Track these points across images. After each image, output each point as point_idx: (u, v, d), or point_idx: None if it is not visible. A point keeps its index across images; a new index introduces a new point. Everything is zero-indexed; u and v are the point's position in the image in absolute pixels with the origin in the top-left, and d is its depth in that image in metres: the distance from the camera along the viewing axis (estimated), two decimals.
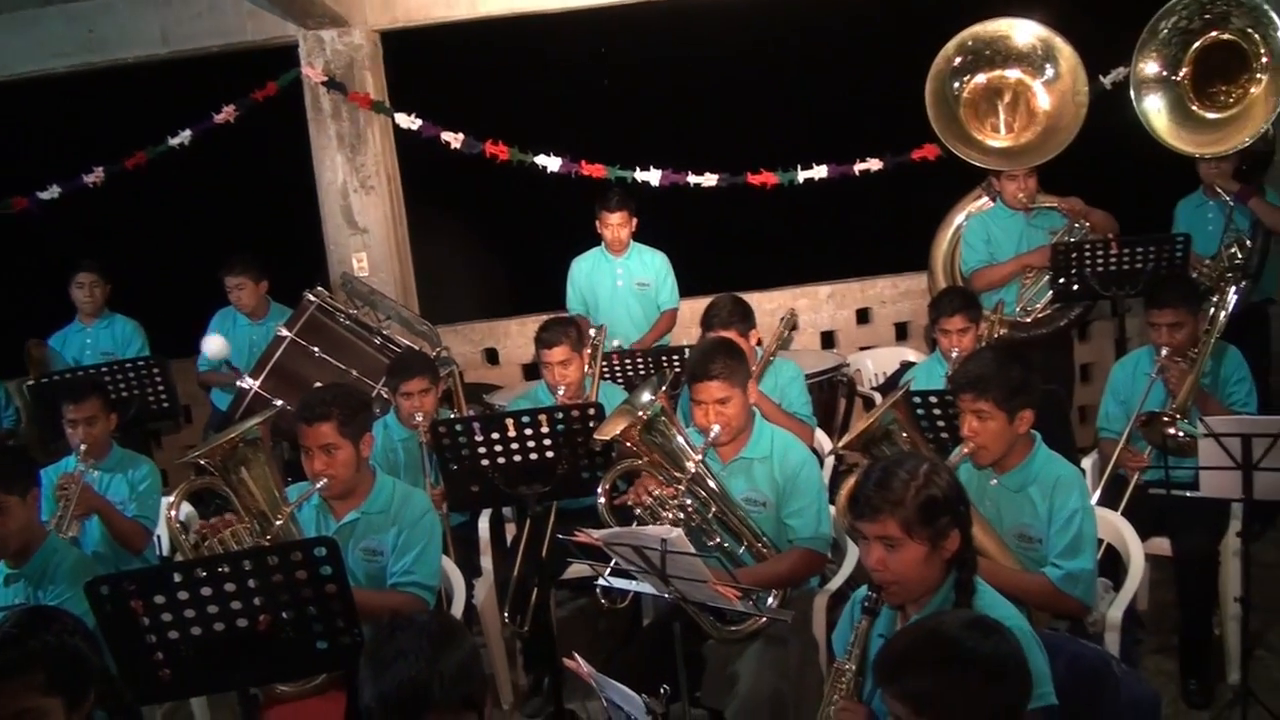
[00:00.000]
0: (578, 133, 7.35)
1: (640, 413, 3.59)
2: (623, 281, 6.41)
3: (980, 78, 5.95)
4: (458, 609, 4.08)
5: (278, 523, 3.49)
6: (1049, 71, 5.87)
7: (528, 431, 4.03)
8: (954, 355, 4.78)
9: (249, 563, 2.88)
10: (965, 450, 3.41)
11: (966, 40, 5.89)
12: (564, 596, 5.32)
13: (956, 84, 5.93)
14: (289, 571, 2.92)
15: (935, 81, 5.87)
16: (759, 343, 5.04)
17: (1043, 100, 5.91)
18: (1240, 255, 5.54)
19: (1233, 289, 4.57)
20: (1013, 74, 5.94)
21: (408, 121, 6.93)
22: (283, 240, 7.82)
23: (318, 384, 4.96)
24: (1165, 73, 5.64)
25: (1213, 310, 4.48)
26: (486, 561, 4.71)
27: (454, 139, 6.89)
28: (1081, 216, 5.68)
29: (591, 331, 5.35)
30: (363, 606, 3.27)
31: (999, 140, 5.98)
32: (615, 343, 5.97)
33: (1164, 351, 4.28)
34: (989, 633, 2.05)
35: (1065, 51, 5.82)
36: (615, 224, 6.27)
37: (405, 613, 3.09)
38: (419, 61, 7.53)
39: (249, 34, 6.89)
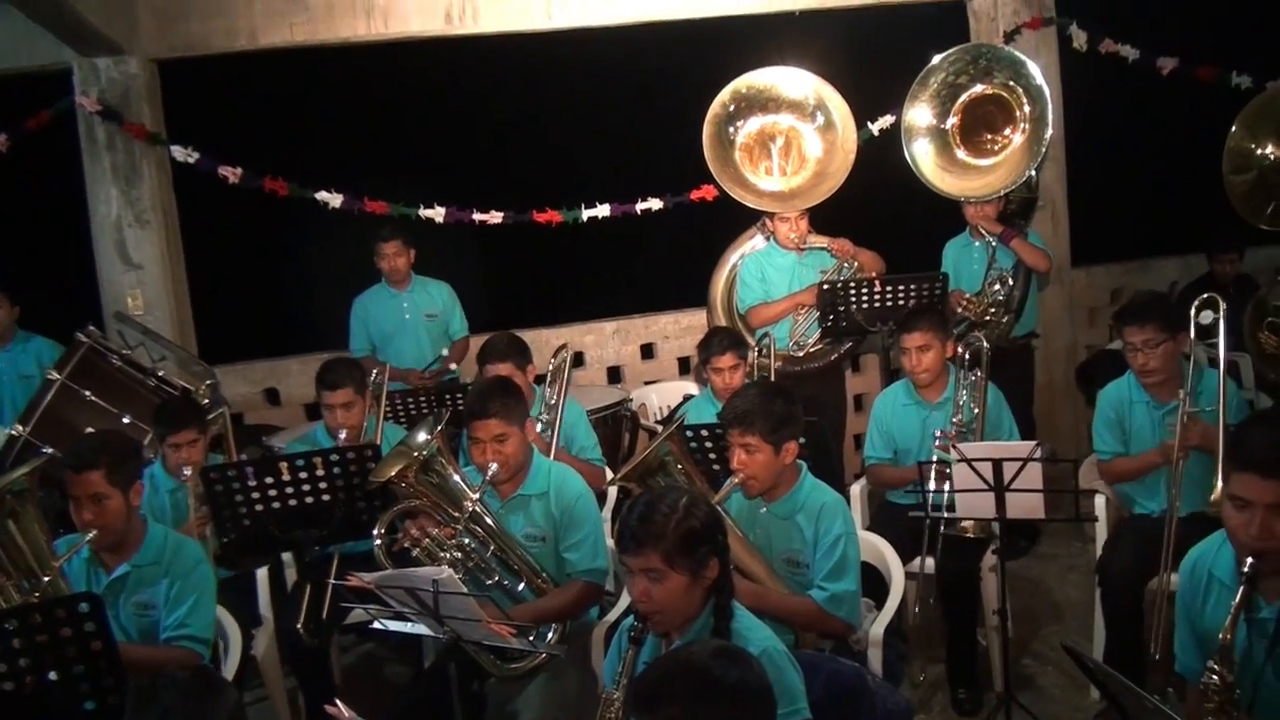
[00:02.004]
0: (361, 169, 7.25)
1: (416, 453, 3.58)
2: (410, 314, 6.35)
3: (754, 123, 6.14)
4: (234, 661, 3.94)
5: (46, 579, 3.33)
6: (820, 119, 6.12)
7: (302, 475, 3.95)
8: (723, 391, 4.95)
9: (12, 622, 2.79)
10: (735, 481, 3.53)
11: (740, 88, 6.09)
12: (348, 642, 5.21)
13: (731, 128, 6.11)
14: (54, 630, 2.87)
15: (712, 126, 6.05)
16: (538, 380, 5.07)
17: (813, 146, 6.15)
18: (1003, 292, 5.90)
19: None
20: (785, 120, 6.16)
21: (184, 155, 6.69)
22: (55, 276, 7.42)
23: (89, 429, 4.74)
24: (935, 122, 5.98)
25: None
26: (266, 610, 4.57)
27: (232, 173, 6.70)
28: (850, 256, 5.95)
29: (373, 372, 5.29)
30: (135, 663, 3.18)
31: (771, 183, 6.18)
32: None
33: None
34: (735, 660, 2.13)
35: (836, 101, 6.08)
36: (390, 254, 6.24)
37: (169, 669, 2.99)
38: (199, 93, 7.30)
39: (22, 59, 6.54)
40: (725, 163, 6.06)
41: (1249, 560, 2.42)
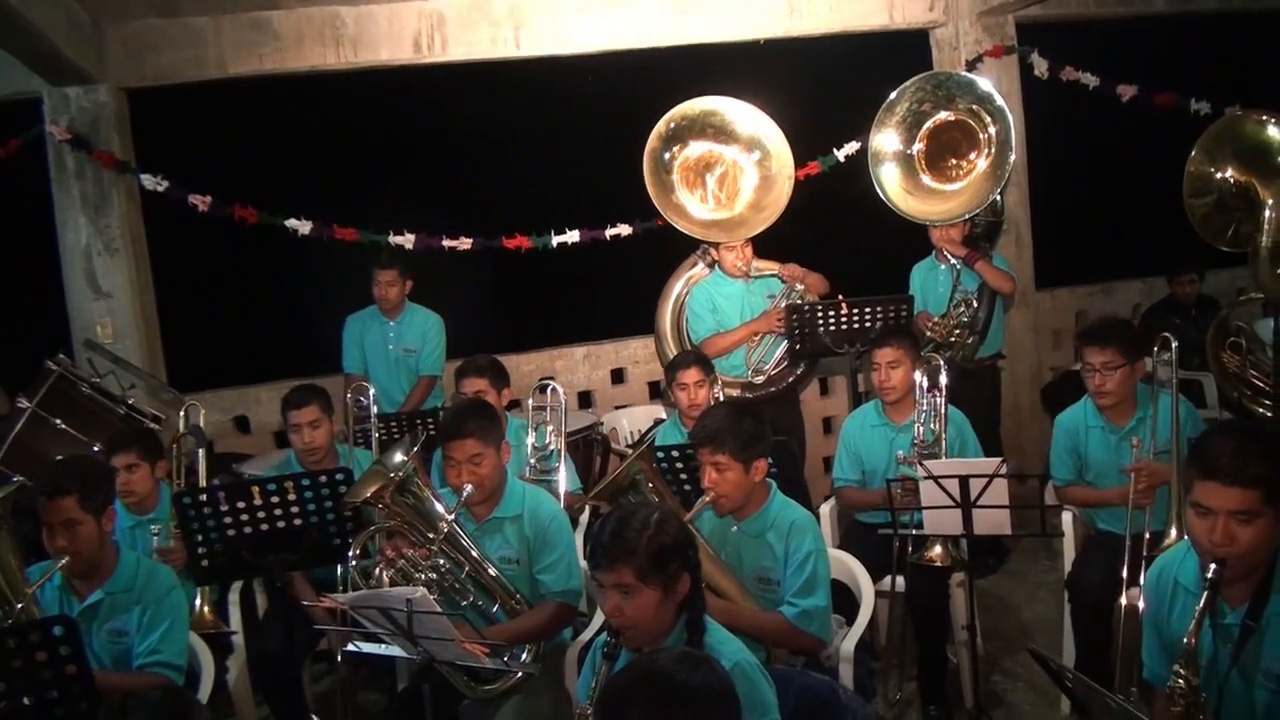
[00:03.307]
0: (331, 196, 7.27)
1: (392, 474, 3.59)
2: (392, 346, 6.38)
3: (695, 148, 6.17)
4: (207, 688, 3.91)
5: (19, 606, 3.32)
6: (756, 152, 6.15)
7: (274, 499, 3.93)
8: (689, 408, 5.03)
9: None
10: (706, 500, 3.57)
11: (675, 116, 6.12)
12: (320, 670, 5.18)
13: (668, 153, 6.14)
14: (28, 654, 2.86)
15: (650, 156, 6.09)
16: (512, 405, 5.10)
17: (750, 179, 6.18)
18: (967, 314, 5.97)
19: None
20: (730, 152, 6.19)
21: (153, 183, 6.68)
22: (23, 305, 7.39)
23: (59, 458, 4.72)
24: (901, 147, 6.06)
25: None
26: (238, 638, 4.54)
27: (201, 201, 6.69)
28: (799, 280, 6.00)
29: (347, 395, 5.30)
30: (109, 689, 3.17)
31: (704, 211, 6.20)
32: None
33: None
34: (698, 665, 2.15)
35: (771, 131, 6.13)
36: (384, 282, 6.25)
37: (139, 693, 2.99)
38: (169, 121, 7.30)
39: None
40: (666, 190, 6.10)
41: (1212, 566, 2.47)
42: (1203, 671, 2.51)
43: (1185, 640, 2.47)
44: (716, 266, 6.16)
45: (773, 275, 6.05)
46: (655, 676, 2.10)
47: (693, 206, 6.18)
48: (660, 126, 6.10)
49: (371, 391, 5.34)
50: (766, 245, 6.16)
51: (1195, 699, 2.44)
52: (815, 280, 6.02)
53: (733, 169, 6.20)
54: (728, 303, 6.06)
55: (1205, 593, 2.48)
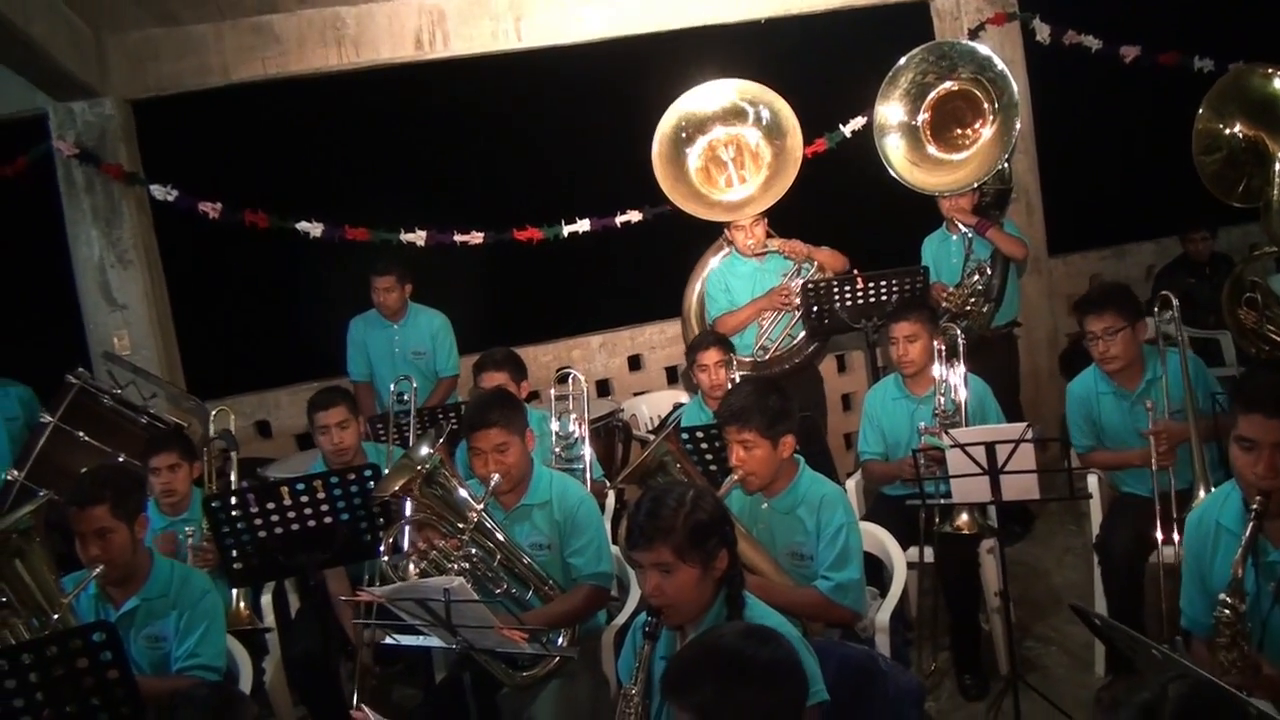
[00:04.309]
0: (341, 197, 7.28)
1: (420, 466, 3.60)
2: (398, 349, 6.38)
3: (700, 143, 6.19)
4: (245, 689, 3.93)
5: (55, 616, 3.34)
6: (751, 117, 6.15)
7: (303, 499, 3.95)
8: (711, 388, 5.08)
9: (28, 656, 2.78)
10: (735, 478, 3.58)
11: (679, 118, 6.15)
12: (354, 668, 5.19)
13: (681, 154, 6.17)
14: (69, 661, 2.86)
15: (661, 157, 6.11)
16: (531, 397, 5.12)
17: (764, 150, 6.18)
18: (981, 283, 5.97)
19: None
20: (722, 131, 6.19)
21: (163, 193, 6.71)
22: (40, 321, 7.43)
23: (85, 470, 4.75)
24: (906, 118, 6.06)
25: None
26: (273, 638, 4.57)
27: (212, 209, 6.71)
28: (804, 257, 5.99)
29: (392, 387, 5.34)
30: (149, 694, 3.18)
31: (735, 192, 6.20)
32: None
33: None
34: (765, 640, 2.16)
35: (769, 96, 6.12)
36: (382, 289, 6.26)
37: (185, 691, 3.01)
38: (175, 131, 7.32)
39: None
40: (678, 177, 6.13)
41: (1258, 498, 2.51)
42: (1246, 608, 2.53)
43: (1232, 569, 2.51)
44: (732, 248, 6.16)
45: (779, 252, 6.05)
46: (724, 652, 2.12)
47: (716, 193, 6.19)
48: (664, 128, 6.11)
49: (414, 385, 5.33)
50: (786, 224, 6.16)
51: (1241, 628, 2.47)
52: (827, 256, 6.01)
53: (742, 143, 6.19)
54: (739, 282, 6.07)
55: (1251, 524, 2.52)
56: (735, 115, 6.16)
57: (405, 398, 5.22)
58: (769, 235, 6.05)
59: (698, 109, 6.15)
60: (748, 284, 6.05)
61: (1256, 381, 2.61)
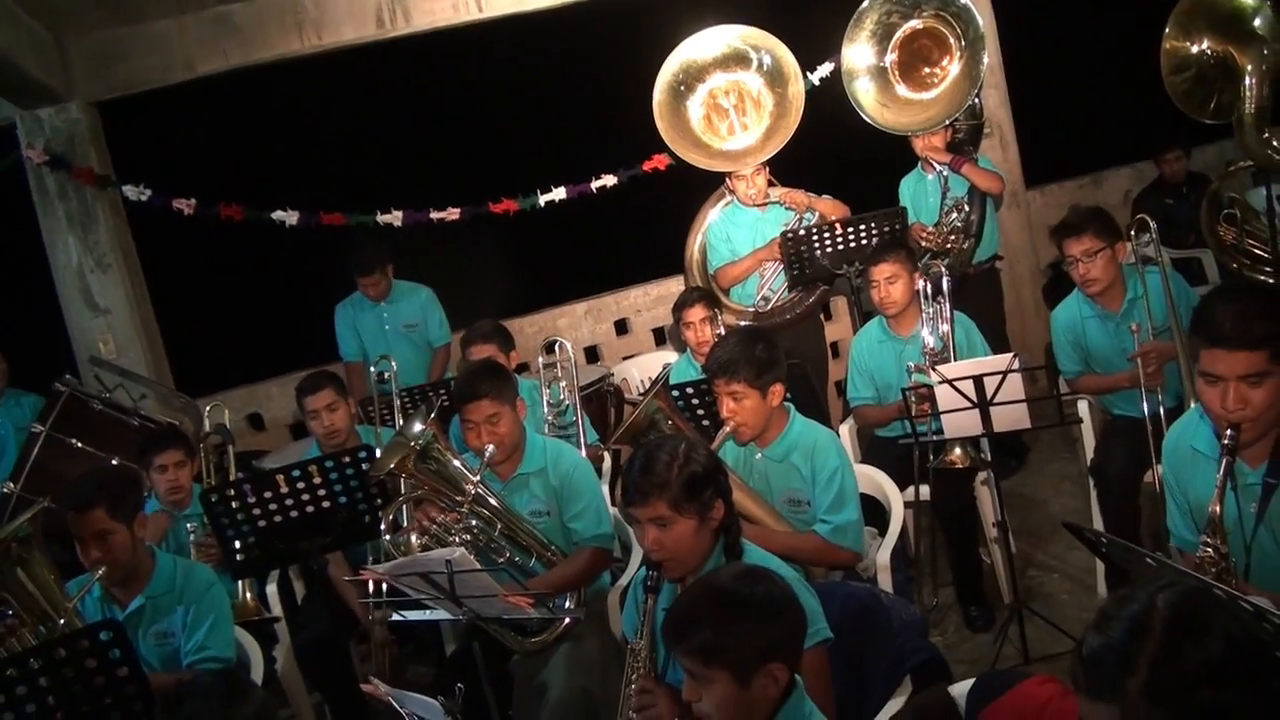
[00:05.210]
0: (314, 183, 7.25)
1: (413, 443, 3.61)
2: (389, 326, 6.38)
3: (701, 92, 6.14)
4: (257, 680, 3.95)
5: (61, 621, 3.35)
6: (766, 65, 6.11)
7: (300, 485, 3.97)
8: (698, 345, 5.12)
9: (37, 661, 2.79)
10: (728, 430, 3.59)
11: (679, 65, 6.07)
12: (366, 650, 5.23)
13: (682, 104, 6.11)
14: (78, 662, 2.87)
15: (662, 106, 6.05)
16: (521, 368, 5.12)
17: (761, 90, 6.15)
18: (960, 219, 5.96)
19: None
20: (721, 79, 6.14)
21: (136, 193, 6.68)
22: (23, 329, 7.39)
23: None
24: (874, 60, 6.02)
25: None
26: (282, 626, 4.59)
27: (186, 205, 6.69)
28: (805, 206, 5.98)
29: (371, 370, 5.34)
30: (161, 691, 3.19)
31: (738, 140, 6.16)
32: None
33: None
34: (758, 579, 2.19)
35: (770, 42, 6.08)
36: (369, 284, 6.28)
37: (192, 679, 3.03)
38: (143, 129, 7.28)
39: None
40: (679, 126, 6.08)
41: (1228, 431, 2.49)
42: (1230, 534, 2.54)
43: (1209, 509, 2.49)
44: (734, 198, 6.15)
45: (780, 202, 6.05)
46: (719, 593, 2.15)
47: (719, 141, 6.15)
48: (666, 76, 6.05)
49: (394, 365, 5.33)
50: (785, 174, 6.15)
51: (1225, 564, 2.47)
52: (828, 205, 5.99)
53: (744, 89, 6.15)
54: (740, 231, 6.06)
55: (1224, 459, 2.50)
56: (737, 60, 6.11)
57: (386, 376, 5.20)
58: (770, 184, 6.04)
59: (698, 56, 6.09)
60: (749, 234, 6.04)
61: (1214, 314, 2.49)
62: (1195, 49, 5.69)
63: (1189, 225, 6.84)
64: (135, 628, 3.55)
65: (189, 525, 4.46)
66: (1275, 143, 5.70)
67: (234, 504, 3.96)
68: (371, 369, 5.46)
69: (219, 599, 3.69)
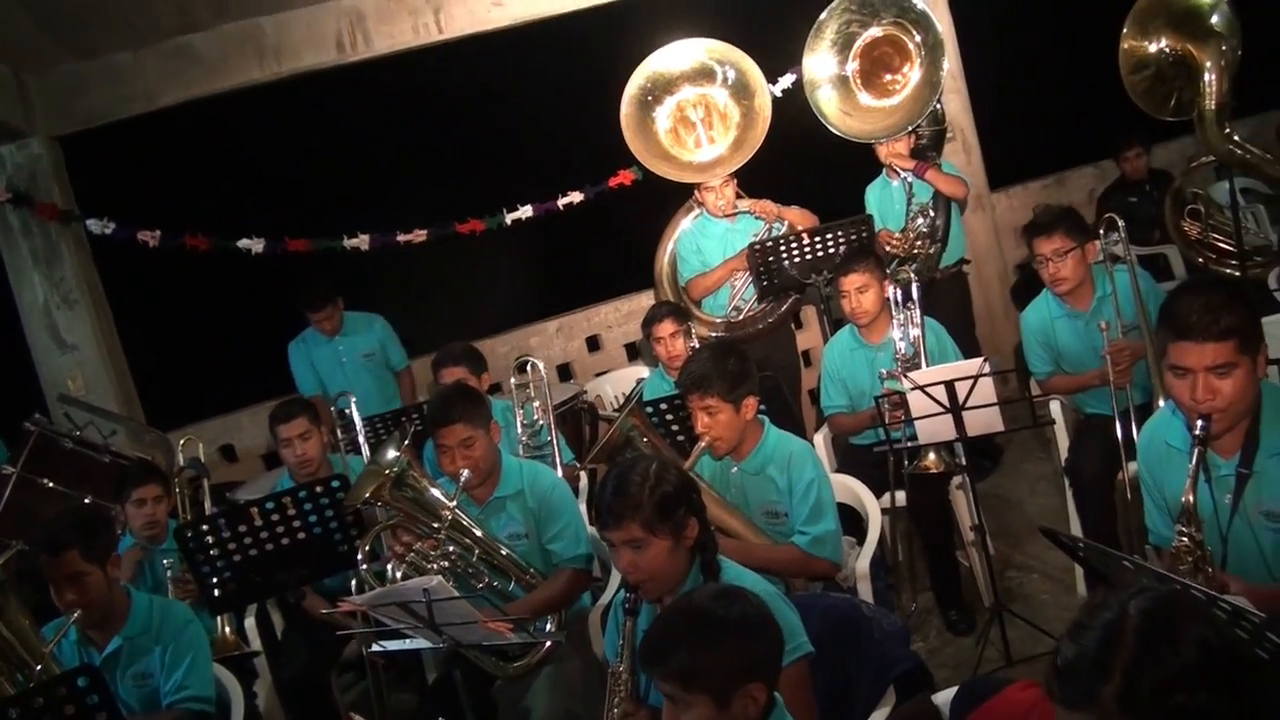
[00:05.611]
0: (279, 210, 7.21)
1: (388, 470, 3.59)
2: (346, 358, 6.38)
3: (669, 104, 6.15)
4: (238, 717, 3.91)
5: (39, 667, 3.29)
6: (731, 79, 6.12)
7: (275, 518, 3.93)
8: (670, 360, 5.13)
9: (15, 711, 2.77)
10: (703, 445, 3.58)
11: (646, 77, 6.08)
12: (348, 680, 5.19)
13: (649, 116, 6.12)
14: (57, 710, 2.83)
15: (631, 108, 6.05)
16: (493, 389, 5.10)
17: (728, 103, 6.16)
18: (926, 225, 5.99)
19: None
20: (691, 91, 6.15)
21: (100, 226, 6.63)
22: None
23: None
24: (836, 69, 6.05)
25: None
26: (262, 660, 4.54)
27: (150, 237, 6.64)
28: (775, 216, 6.00)
29: (331, 408, 5.30)
30: None
31: (705, 152, 6.17)
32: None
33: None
34: (733, 599, 2.18)
35: (726, 51, 6.09)
36: (324, 319, 6.28)
37: None
38: (106, 163, 7.22)
39: None
40: (647, 139, 6.09)
41: (1199, 422, 2.52)
42: (1205, 525, 2.56)
43: (1183, 499, 2.52)
44: (703, 210, 6.15)
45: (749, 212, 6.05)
46: (694, 616, 2.14)
47: (687, 154, 6.16)
48: (633, 90, 6.06)
49: (354, 400, 5.31)
50: (753, 184, 6.16)
51: (1201, 553, 2.49)
52: (796, 215, 6.01)
53: (710, 103, 6.16)
54: (711, 243, 6.06)
55: (1196, 449, 2.52)
56: (704, 75, 6.11)
57: (348, 413, 5.16)
58: (739, 195, 6.04)
59: (665, 69, 6.10)
60: (719, 245, 6.04)
61: (1179, 307, 2.54)
62: (1154, 48, 5.76)
63: (1153, 222, 6.90)
64: (113, 670, 3.51)
65: (165, 561, 4.42)
66: (1237, 137, 5.78)
67: (209, 539, 3.92)
68: (332, 408, 5.41)
69: (197, 637, 3.65)
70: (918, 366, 4.55)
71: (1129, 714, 1.53)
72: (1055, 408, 4.63)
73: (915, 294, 4.77)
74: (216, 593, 3.96)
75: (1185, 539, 2.48)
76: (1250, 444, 2.60)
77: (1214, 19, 5.63)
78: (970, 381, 3.91)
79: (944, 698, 2.42)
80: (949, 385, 3.94)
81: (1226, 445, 2.63)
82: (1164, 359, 2.60)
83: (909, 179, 5.89)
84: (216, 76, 6.63)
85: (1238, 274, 5.85)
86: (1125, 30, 5.77)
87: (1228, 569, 2.59)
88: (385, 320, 6.53)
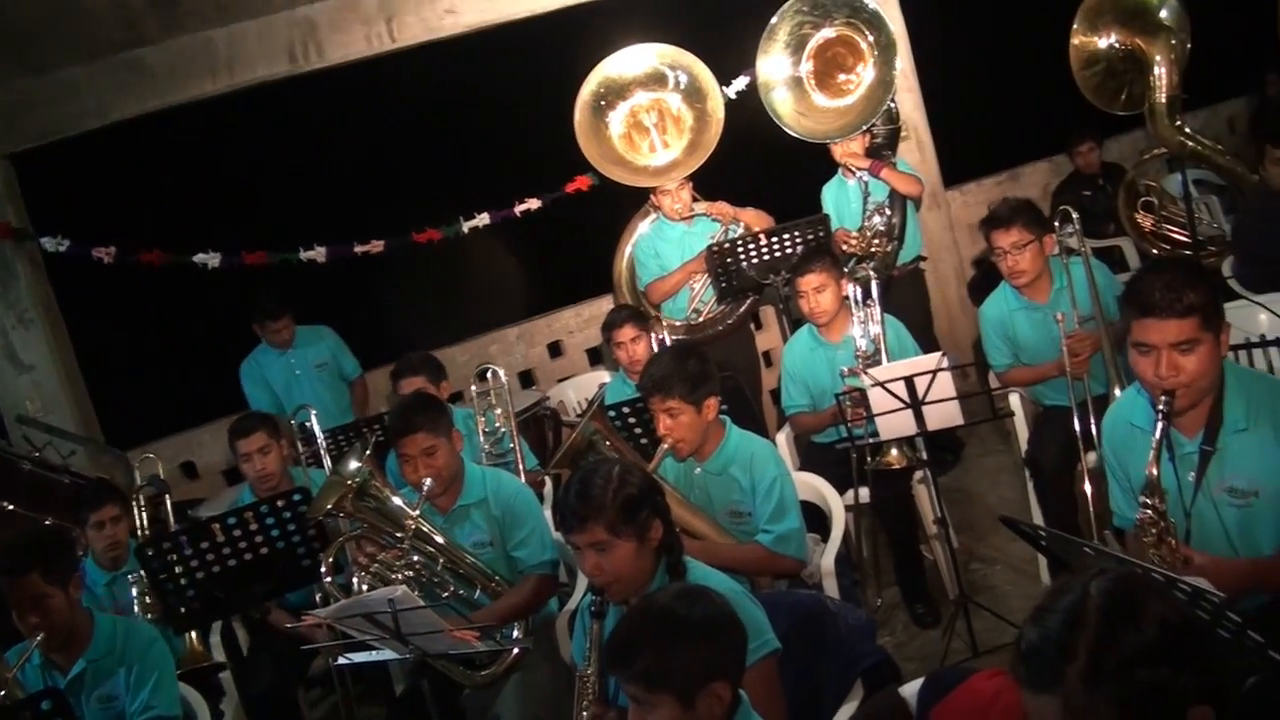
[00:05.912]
0: (235, 223, 7.16)
1: (350, 481, 3.58)
2: (300, 370, 6.38)
3: (622, 109, 6.15)
4: None
5: (2, 692, 3.26)
6: (671, 81, 6.13)
7: (236, 533, 3.89)
8: (630, 364, 5.12)
9: None
10: (665, 447, 3.59)
11: (599, 82, 6.08)
12: (315, 695, 5.15)
13: (602, 121, 6.11)
14: None
15: (583, 115, 6.05)
16: (454, 398, 5.09)
17: (681, 108, 6.17)
18: (882, 223, 6.03)
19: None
20: (644, 96, 6.15)
21: (54, 244, 6.55)
22: None
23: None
24: (790, 70, 6.07)
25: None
26: (227, 677, 4.50)
27: (105, 254, 6.56)
28: (731, 218, 6.01)
29: (291, 420, 5.27)
30: None
31: (659, 157, 6.18)
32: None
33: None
34: (695, 599, 2.19)
35: (677, 56, 6.11)
36: (278, 329, 6.30)
37: None
38: (58, 180, 7.14)
39: None
40: (600, 144, 6.08)
41: (1163, 398, 2.56)
42: (1170, 503, 2.61)
43: (1146, 471, 2.56)
44: (659, 214, 6.15)
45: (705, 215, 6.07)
46: (657, 615, 2.14)
47: (640, 159, 6.16)
48: (585, 94, 6.05)
49: (314, 413, 5.29)
50: (709, 187, 6.17)
51: (1165, 525, 2.54)
52: (752, 216, 6.03)
53: (664, 108, 6.17)
54: (669, 246, 6.07)
55: (1159, 424, 2.57)
56: (656, 80, 6.12)
57: (308, 426, 5.14)
58: (695, 198, 6.05)
59: (618, 74, 6.10)
60: (677, 248, 6.05)
61: (1143, 285, 2.60)
62: (1104, 43, 5.84)
63: (1107, 215, 6.99)
64: (78, 693, 3.46)
65: (130, 577, 4.37)
66: (1188, 129, 5.87)
67: (171, 557, 3.88)
68: (292, 421, 5.38)
69: (161, 656, 3.61)
70: (879, 364, 4.57)
71: (1094, 692, 1.55)
72: (1014, 400, 4.67)
73: (875, 292, 4.80)
74: (181, 610, 3.92)
75: (1150, 511, 2.53)
76: (1214, 421, 2.65)
77: (1163, 14, 5.73)
78: (929, 376, 3.95)
79: (911, 690, 2.44)
80: (908, 381, 3.97)
81: (1189, 425, 2.68)
82: (1128, 337, 2.65)
83: (865, 178, 5.92)
84: (169, 90, 6.57)
85: None
86: (1075, 26, 5.85)
87: (1192, 545, 2.63)
88: (333, 331, 6.54)
